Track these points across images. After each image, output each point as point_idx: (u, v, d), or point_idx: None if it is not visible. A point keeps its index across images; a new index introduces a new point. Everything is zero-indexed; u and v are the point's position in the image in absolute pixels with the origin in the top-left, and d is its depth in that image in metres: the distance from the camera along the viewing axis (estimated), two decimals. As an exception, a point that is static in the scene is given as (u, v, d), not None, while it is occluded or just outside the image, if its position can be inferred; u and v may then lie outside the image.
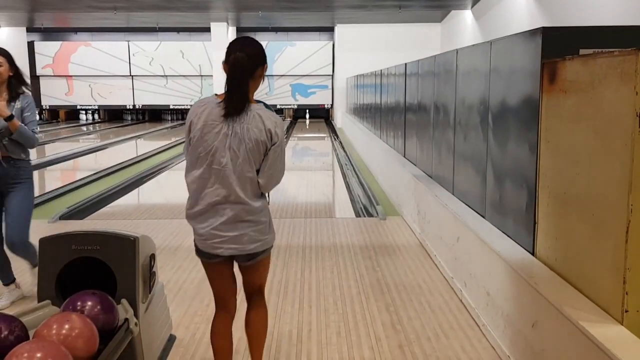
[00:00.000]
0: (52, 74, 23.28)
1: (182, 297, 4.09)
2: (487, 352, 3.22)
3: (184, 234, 5.76)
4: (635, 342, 2.10)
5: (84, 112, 24.38)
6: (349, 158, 11.92)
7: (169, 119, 24.58)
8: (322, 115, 23.94)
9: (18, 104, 3.77)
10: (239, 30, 22.02)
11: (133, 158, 12.35)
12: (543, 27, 3.01)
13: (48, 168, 11.41)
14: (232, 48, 2.42)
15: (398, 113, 7.84)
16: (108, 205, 7.72)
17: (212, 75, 21.18)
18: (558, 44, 2.95)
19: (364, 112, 13.47)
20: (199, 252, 2.57)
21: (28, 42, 22.50)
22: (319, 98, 23.31)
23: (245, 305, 2.77)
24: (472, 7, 15.51)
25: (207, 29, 20.21)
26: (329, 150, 14.61)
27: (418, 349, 3.27)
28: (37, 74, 23.05)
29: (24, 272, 4.19)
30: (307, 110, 23.97)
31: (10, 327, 2.03)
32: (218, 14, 18.33)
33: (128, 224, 6.24)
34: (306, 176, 10.24)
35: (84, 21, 20.64)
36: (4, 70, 3.71)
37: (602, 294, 2.37)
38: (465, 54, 4.57)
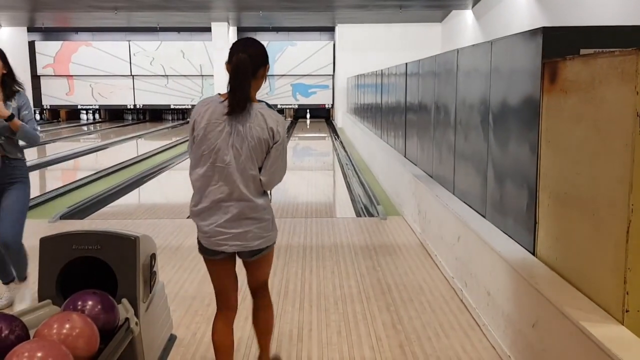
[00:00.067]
0: (53, 74, 23.30)
1: (182, 296, 4.09)
2: (488, 352, 3.22)
3: (185, 233, 5.77)
4: (636, 342, 2.10)
5: (84, 111, 24.42)
6: (349, 158, 11.92)
7: (170, 118, 24.60)
8: (322, 115, 23.94)
9: (14, 103, 3.73)
10: (239, 30, 22.02)
11: (134, 158, 12.35)
12: (544, 27, 3.01)
13: (49, 168, 11.42)
14: (234, 49, 2.46)
15: (399, 113, 7.84)
16: (109, 205, 7.72)
17: (212, 75, 21.18)
18: (559, 43, 2.95)
19: (364, 112, 13.47)
20: (202, 249, 2.59)
21: (29, 42, 22.52)
22: (320, 98, 23.32)
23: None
24: (472, 7, 15.51)
25: (208, 29, 20.21)
26: (330, 150, 14.61)
27: (418, 348, 3.27)
28: (38, 74, 23.09)
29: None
30: (308, 110, 23.98)
31: (11, 326, 2.03)
32: (219, 14, 18.33)
33: (129, 224, 6.24)
34: (307, 176, 10.24)
35: (85, 21, 20.64)
36: None
37: (602, 294, 2.37)
38: (465, 53, 4.57)
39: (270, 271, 2.84)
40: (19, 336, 2.02)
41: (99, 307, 2.31)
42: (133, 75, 23.38)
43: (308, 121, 23.46)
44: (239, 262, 2.69)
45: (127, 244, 2.64)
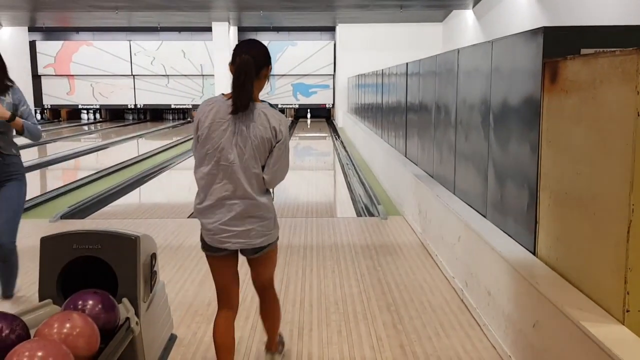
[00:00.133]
0: (54, 74, 23.30)
1: (183, 296, 4.09)
2: (488, 351, 3.22)
3: (185, 233, 5.77)
4: (637, 342, 2.10)
5: (85, 111, 24.43)
6: (350, 158, 11.92)
7: (170, 118, 24.61)
8: (323, 114, 23.95)
9: (8, 98, 3.65)
10: (240, 29, 22.03)
11: (134, 157, 12.35)
12: (544, 27, 3.01)
13: (49, 167, 11.42)
14: (238, 50, 2.52)
15: (399, 113, 7.84)
16: (109, 205, 7.72)
17: (213, 75, 21.18)
18: (559, 43, 2.95)
19: (365, 111, 13.47)
20: (205, 246, 2.63)
21: (30, 42, 22.54)
22: (320, 98, 23.32)
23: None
24: (473, 6, 15.50)
25: (209, 29, 20.21)
26: (330, 149, 14.61)
27: (419, 348, 3.27)
28: (39, 74, 23.10)
29: (26, 272, 4.19)
30: (309, 110, 23.99)
31: (12, 326, 2.03)
32: (219, 14, 18.33)
33: (129, 224, 6.24)
34: (307, 176, 10.24)
35: (86, 21, 20.65)
36: None
37: (603, 294, 2.36)
38: (466, 53, 4.57)
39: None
40: (19, 335, 2.02)
41: (100, 306, 2.31)
42: (134, 75, 23.38)
43: (309, 121, 23.46)
44: (242, 261, 2.71)
45: (127, 244, 2.64)
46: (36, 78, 22.97)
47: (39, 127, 3.80)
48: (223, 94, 2.56)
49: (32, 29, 22.20)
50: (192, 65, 23.14)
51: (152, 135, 18.55)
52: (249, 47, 2.53)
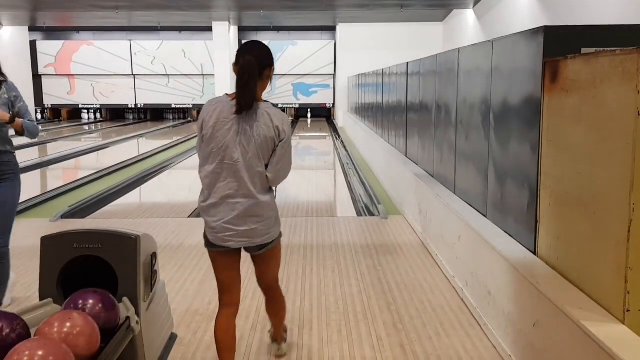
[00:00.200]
0: (54, 73, 23.32)
1: (183, 295, 4.09)
2: (489, 351, 3.22)
3: (186, 232, 5.77)
4: (637, 341, 2.10)
5: (86, 111, 24.45)
6: (350, 157, 11.92)
7: (171, 118, 24.62)
8: (323, 114, 23.95)
9: (4, 94, 3.54)
10: (240, 29, 22.03)
11: (135, 157, 12.35)
12: (545, 26, 3.01)
13: (50, 167, 11.43)
14: (241, 51, 2.58)
15: (400, 112, 7.83)
16: (110, 204, 7.73)
17: (213, 75, 21.18)
18: (560, 42, 2.94)
19: (365, 111, 13.47)
20: (208, 243, 2.68)
21: (30, 42, 22.54)
22: (321, 97, 23.32)
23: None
24: (474, 6, 15.50)
25: (209, 28, 20.21)
26: (331, 149, 14.61)
27: (419, 348, 3.27)
28: (40, 73, 23.12)
29: (27, 271, 4.19)
30: (309, 110, 23.99)
31: (12, 325, 2.03)
32: (220, 13, 18.33)
33: (129, 223, 6.24)
34: (308, 175, 10.24)
35: (86, 20, 20.65)
36: None
37: (603, 293, 2.36)
38: (467, 53, 4.57)
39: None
40: (20, 335, 2.02)
41: (100, 305, 2.31)
42: (134, 75, 23.39)
43: (309, 120, 23.46)
44: (244, 261, 2.71)
45: (128, 243, 2.64)
46: (37, 78, 22.98)
47: (36, 124, 3.69)
48: (227, 94, 2.61)
49: (32, 29, 22.20)
50: (192, 65, 23.15)
51: (152, 134, 18.56)
52: (253, 48, 2.59)
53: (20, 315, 2.21)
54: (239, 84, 2.52)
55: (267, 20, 20.31)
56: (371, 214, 6.87)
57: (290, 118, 23.33)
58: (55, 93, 23.47)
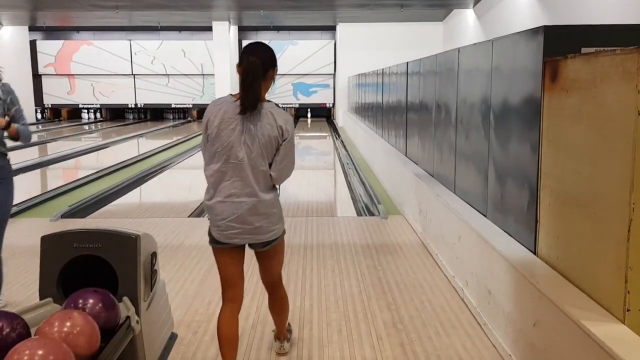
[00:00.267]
0: (54, 73, 23.32)
1: (183, 295, 4.09)
2: (489, 351, 3.22)
3: (186, 232, 5.78)
4: (637, 341, 2.10)
5: (86, 110, 24.45)
6: (350, 157, 11.92)
7: (171, 117, 24.61)
8: (323, 114, 23.94)
9: None
10: (240, 29, 22.02)
11: (135, 157, 12.36)
12: (545, 26, 3.01)
13: (50, 167, 11.43)
14: (245, 53, 2.63)
15: (400, 112, 7.83)
16: (110, 204, 7.73)
17: (213, 74, 21.17)
18: (560, 42, 2.94)
19: (365, 111, 13.47)
20: (213, 240, 2.71)
21: (30, 41, 22.55)
22: (321, 97, 23.32)
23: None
24: (474, 5, 15.50)
25: (209, 28, 20.20)
26: (331, 149, 14.61)
27: (419, 347, 3.27)
28: (40, 73, 23.11)
29: (27, 270, 4.19)
30: (309, 109, 23.98)
31: (12, 324, 2.03)
32: (220, 13, 18.32)
33: (129, 223, 6.24)
34: (308, 175, 10.24)
35: (86, 20, 20.65)
36: None
37: (603, 293, 2.36)
38: (467, 52, 4.56)
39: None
40: (20, 334, 2.02)
41: (100, 305, 2.31)
42: (134, 75, 23.39)
43: (309, 120, 23.46)
44: (246, 260, 2.73)
45: (128, 243, 2.64)
46: (37, 77, 22.98)
47: (29, 128, 3.61)
48: (231, 95, 2.66)
49: (32, 29, 22.20)
50: (192, 65, 23.15)
51: (152, 134, 18.55)
52: (256, 49, 2.64)
53: (21, 314, 2.21)
54: (243, 84, 2.56)
55: (267, 20, 20.31)
56: (371, 213, 6.87)
57: (290, 118, 23.35)
58: (55, 93, 23.47)
